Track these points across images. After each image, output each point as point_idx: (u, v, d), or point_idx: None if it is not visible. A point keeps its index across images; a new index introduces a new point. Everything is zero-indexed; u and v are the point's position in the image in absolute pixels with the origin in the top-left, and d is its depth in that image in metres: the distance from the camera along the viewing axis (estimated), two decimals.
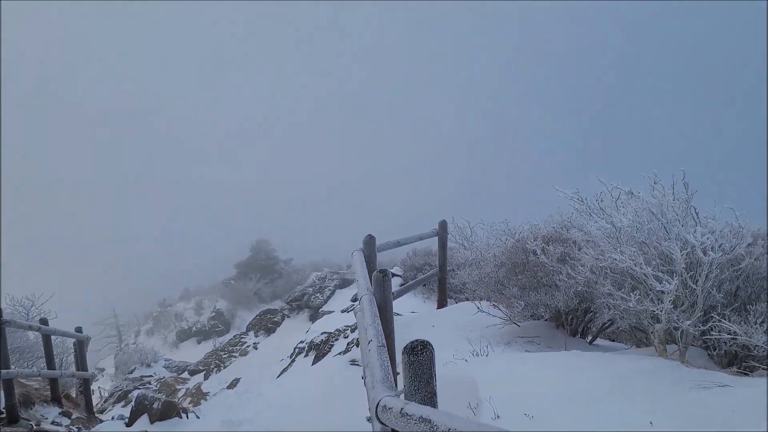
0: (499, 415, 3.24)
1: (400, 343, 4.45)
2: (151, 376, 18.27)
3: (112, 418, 12.16)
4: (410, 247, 14.50)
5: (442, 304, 7.95)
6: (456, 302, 8.64)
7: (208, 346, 31.47)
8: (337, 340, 8.04)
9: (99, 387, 25.56)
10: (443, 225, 7.86)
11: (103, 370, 35.28)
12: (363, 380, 3.96)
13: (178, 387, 14.06)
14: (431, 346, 2.26)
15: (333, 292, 14.70)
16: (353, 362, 5.87)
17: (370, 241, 5.57)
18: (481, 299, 6.50)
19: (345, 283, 15.20)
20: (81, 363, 9.60)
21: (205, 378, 13.73)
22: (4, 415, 6.83)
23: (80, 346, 9.56)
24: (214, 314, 40.45)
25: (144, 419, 6.87)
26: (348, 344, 7.15)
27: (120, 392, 16.06)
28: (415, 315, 7.30)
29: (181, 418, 7.01)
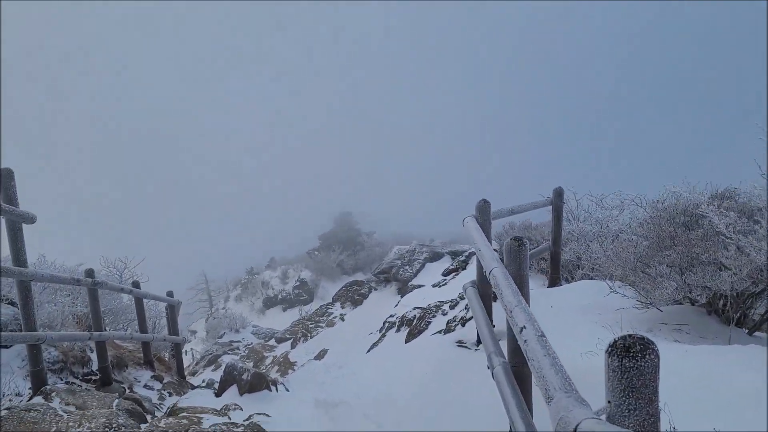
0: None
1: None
2: (239, 341, 18.59)
3: (203, 381, 12.22)
4: (505, 221, 13.55)
5: (554, 282, 7.04)
6: (567, 281, 7.70)
7: (293, 314, 32.10)
8: (434, 316, 7.33)
9: (191, 348, 26.69)
10: (559, 193, 6.91)
11: (195, 332, 37.00)
12: (491, 371, 3.22)
13: (266, 354, 14.02)
14: (655, 346, 1.45)
15: (422, 266, 14.01)
16: (460, 344, 5.13)
17: (484, 206, 4.77)
18: (611, 278, 5.55)
19: (435, 257, 14.47)
20: (173, 327, 9.52)
21: (292, 347, 13.56)
22: (97, 377, 6.72)
23: (172, 311, 9.48)
24: (298, 283, 41.32)
25: (233, 390, 6.52)
26: (448, 323, 6.41)
27: (210, 356, 16.38)
28: None
29: (270, 390, 6.61)
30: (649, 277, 4.74)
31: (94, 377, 6.81)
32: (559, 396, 1.66)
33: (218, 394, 6.63)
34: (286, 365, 11.41)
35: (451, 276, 11.91)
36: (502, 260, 3.27)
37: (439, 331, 6.44)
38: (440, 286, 11.40)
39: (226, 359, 15.62)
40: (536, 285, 9.98)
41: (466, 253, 12.66)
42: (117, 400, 5.12)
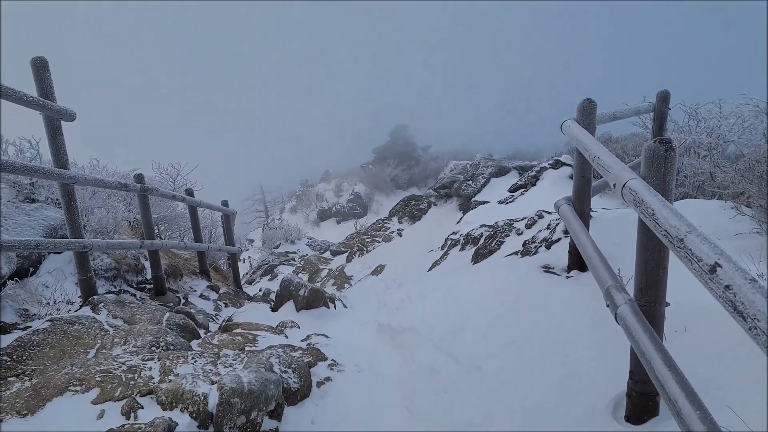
0: None
1: (624, 257, 2.79)
2: (295, 252, 18.60)
3: (260, 290, 12.16)
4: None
5: None
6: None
7: (346, 227, 32.23)
8: (507, 236, 6.63)
9: (249, 257, 27.35)
10: (663, 97, 5.85)
11: (252, 241, 37.96)
12: (611, 310, 2.55)
13: (321, 267, 13.84)
14: None
15: (488, 181, 13.12)
16: (547, 269, 4.42)
17: (589, 106, 3.92)
18: (727, 198, 4.66)
19: (501, 171, 13.51)
20: (228, 237, 9.25)
21: (348, 260, 13.28)
22: (152, 286, 6.49)
23: (227, 220, 9.17)
24: (352, 197, 41.34)
25: (289, 306, 6.16)
26: (525, 243, 5.71)
27: (267, 266, 16.43)
28: (614, 213, 5.60)
29: (328, 308, 6.22)
30: None
31: (148, 285, 6.59)
32: None
33: (274, 309, 6.30)
34: (342, 279, 11.11)
35: (519, 192, 11.06)
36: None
37: (515, 253, 5.77)
38: (507, 203, 10.60)
39: (282, 270, 15.64)
40: (605, 203, 9.07)
41: (537, 168, 11.70)
42: (168, 314, 4.79)
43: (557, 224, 5.29)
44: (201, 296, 7.49)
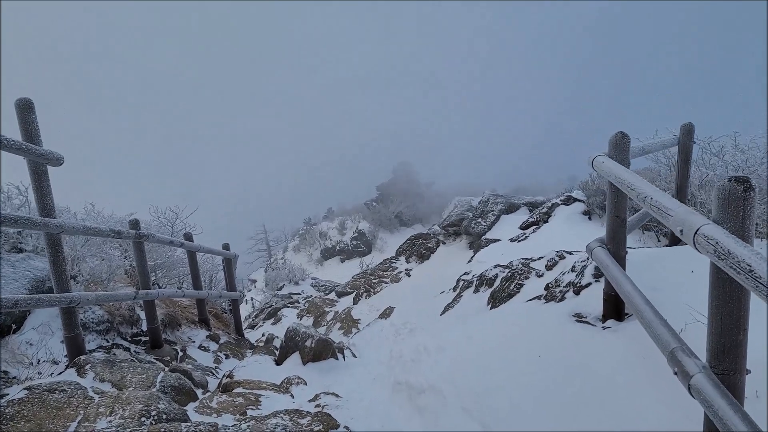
0: None
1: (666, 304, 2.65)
2: (299, 293, 18.12)
3: (263, 335, 11.70)
4: (584, 169, 12.06)
5: (676, 240, 5.74)
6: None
7: (351, 265, 31.73)
8: (526, 278, 6.21)
9: (252, 298, 26.89)
10: (688, 130, 5.55)
11: (254, 281, 37.51)
12: (682, 380, 2.13)
13: (327, 309, 13.36)
14: None
15: (498, 218, 12.74)
16: (579, 318, 4.00)
17: (622, 140, 3.57)
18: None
19: (511, 208, 13.15)
20: (229, 282, 8.84)
21: (354, 302, 12.81)
22: (147, 338, 6.07)
23: (228, 264, 8.77)
24: (356, 234, 40.95)
25: (295, 359, 5.72)
26: (548, 287, 5.29)
27: (270, 309, 15.95)
28: (643, 253, 5.19)
29: (336, 359, 5.78)
30: None
31: (144, 338, 6.17)
32: None
33: (279, 362, 5.85)
34: (349, 322, 10.64)
35: (531, 230, 10.66)
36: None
37: (537, 297, 5.34)
38: (519, 241, 10.20)
39: (286, 312, 15.15)
40: (640, 244, 8.67)
41: (549, 205, 11.33)
42: (162, 374, 4.35)
43: (583, 266, 4.88)
44: (200, 347, 7.04)
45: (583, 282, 4.49)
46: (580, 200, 10.95)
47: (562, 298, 4.66)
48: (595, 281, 4.39)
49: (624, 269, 3.67)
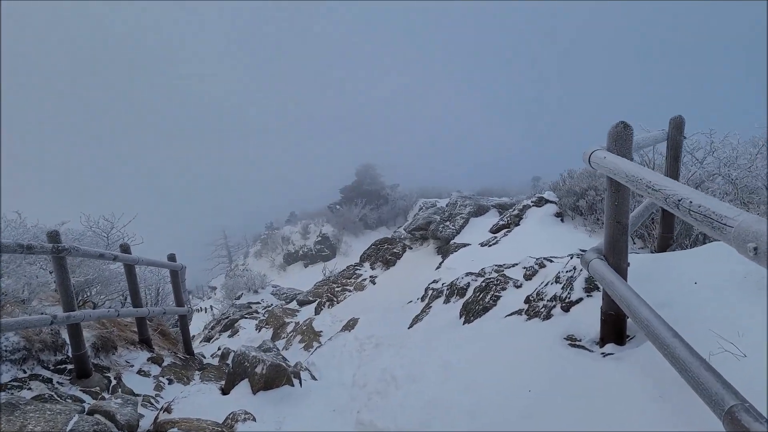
0: None
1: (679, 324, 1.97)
2: (258, 303, 17.22)
3: (219, 349, 10.90)
4: (564, 168, 11.68)
5: (665, 244, 5.27)
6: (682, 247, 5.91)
7: (314, 271, 30.85)
8: (503, 289, 5.63)
9: (211, 306, 25.78)
10: (678, 124, 5.06)
11: (215, 288, 36.25)
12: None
13: (287, 320, 12.58)
14: None
15: (467, 221, 12.18)
16: (573, 342, 3.43)
17: (624, 132, 3.00)
18: None
19: (480, 210, 12.62)
20: (177, 296, 8.00)
21: (316, 312, 12.07)
22: (72, 367, 5.26)
23: (175, 277, 7.94)
24: (320, 239, 40.05)
25: (243, 387, 5.00)
26: (530, 301, 4.73)
27: (227, 320, 15.05)
28: (641, 260, 4.66)
29: (292, 385, 5.08)
30: None
31: (69, 366, 5.35)
32: None
33: (225, 391, 5.13)
34: (310, 335, 9.93)
35: (502, 233, 10.15)
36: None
37: (517, 312, 4.76)
38: (490, 245, 9.67)
39: (244, 324, 14.28)
40: (632, 250, 8.21)
41: (519, 206, 10.85)
42: (76, 418, 3.60)
43: (570, 277, 4.32)
44: (140, 372, 6.23)
45: (573, 297, 3.91)
46: (552, 201, 10.50)
47: (548, 315, 4.09)
48: (587, 296, 3.82)
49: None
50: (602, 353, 3.11)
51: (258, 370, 4.96)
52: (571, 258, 4.90)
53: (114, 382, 5.64)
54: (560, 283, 4.40)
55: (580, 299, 3.85)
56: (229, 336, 13.61)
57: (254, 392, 4.90)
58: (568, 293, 4.01)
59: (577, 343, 3.38)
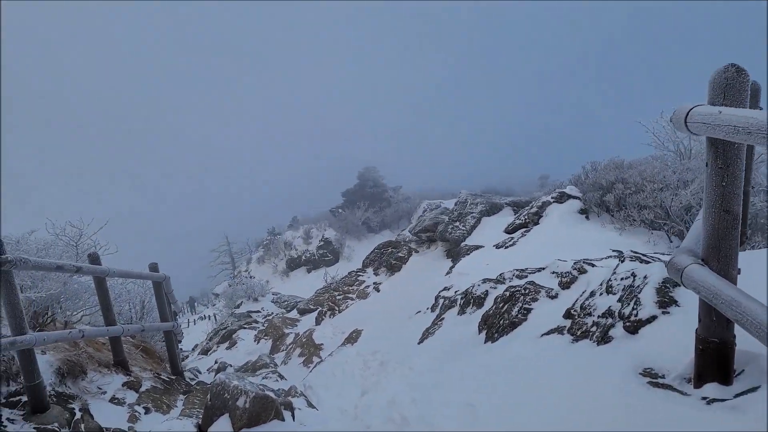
0: None
1: None
2: (258, 311, 16.39)
3: (216, 363, 10.16)
4: (586, 159, 10.81)
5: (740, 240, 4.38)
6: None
7: (317, 276, 29.93)
8: (534, 300, 4.76)
9: (214, 314, 25.01)
10: (754, 91, 4.17)
11: (218, 295, 35.43)
12: None
13: (287, 331, 11.74)
14: None
15: (478, 221, 11.27)
16: (653, 380, 2.57)
17: (737, 79, 2.17)
18: None
19: (493, 209, 11.69)
20: (160, 310, 7.17)
21: (317, 322, 11.23)
22: (26, 400, 4.43)
23: (158, 289, 7.10)
24: (322, 243, 39.13)
25: (223, 423, 4.15)
26: (572, 315, 3.87)
27: (225, 331, 14.21)
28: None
29: (282, 420, 4.25)
30: None
31: (25, 398, 4.52)
32: None
33: (203, 427, 4.28)
34: (310, 348, 9.10)
35: (519, 233, 9.27)
36: None
37: (557, 331, 3.89)
38: (507, 247, 8.81)
39: (242, 335, 13.45)
40: (650, 245, 7.40)
41: (538, 203, 9.95)
42: None
43: (630, 287, 3.46)
44: (113, 400, 5.37)
45: (642, 314, 3.02)
46: (575, 197, 9.62)
47: (605, 337, 3.21)
48: (663, 313, 2.94)
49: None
50: (703, 398, 2.23)
51: (240, 403, 4.12)
52: (621, 261, 4.04)
53: (78, 415, 4.79)
54: (614, 294, 3.54)
55: (653, 317, 2.96)
56: (227, 348, 12.78)
57: (236, 429, 4.07)
58: (634, 309, 3.13)
59: (660, 380, 2.50)
